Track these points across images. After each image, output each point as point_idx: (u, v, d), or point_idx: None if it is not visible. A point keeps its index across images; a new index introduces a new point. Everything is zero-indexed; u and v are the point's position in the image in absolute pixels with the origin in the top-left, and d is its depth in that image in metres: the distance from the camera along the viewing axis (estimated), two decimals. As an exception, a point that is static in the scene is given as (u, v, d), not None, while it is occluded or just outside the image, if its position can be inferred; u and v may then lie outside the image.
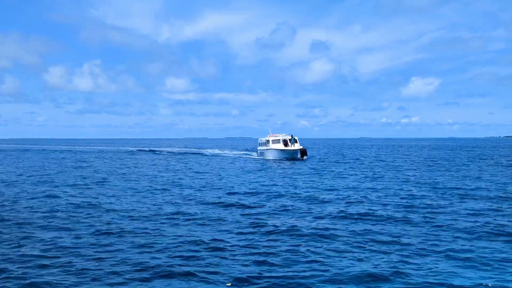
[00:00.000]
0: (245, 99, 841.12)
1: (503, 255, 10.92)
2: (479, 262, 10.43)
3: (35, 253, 11.30)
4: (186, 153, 76.16)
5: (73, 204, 18.81)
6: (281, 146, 51.61)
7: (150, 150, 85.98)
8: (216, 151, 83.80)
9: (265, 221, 15.01)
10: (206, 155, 68.65)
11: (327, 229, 13.84)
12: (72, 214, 16.45)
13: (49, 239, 12.65)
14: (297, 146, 51.41)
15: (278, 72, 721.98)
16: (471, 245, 11.83)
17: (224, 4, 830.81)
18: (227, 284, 9.30)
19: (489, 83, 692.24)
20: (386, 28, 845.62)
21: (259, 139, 60.22)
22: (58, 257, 10.95)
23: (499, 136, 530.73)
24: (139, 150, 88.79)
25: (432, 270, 9.89)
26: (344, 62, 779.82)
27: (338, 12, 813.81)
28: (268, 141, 54.16)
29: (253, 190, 23.18)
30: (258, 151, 59.96)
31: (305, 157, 52.23)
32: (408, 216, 15.76)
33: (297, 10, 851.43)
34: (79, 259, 10.84)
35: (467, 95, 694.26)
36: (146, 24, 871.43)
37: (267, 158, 54.22)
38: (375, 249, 11.60)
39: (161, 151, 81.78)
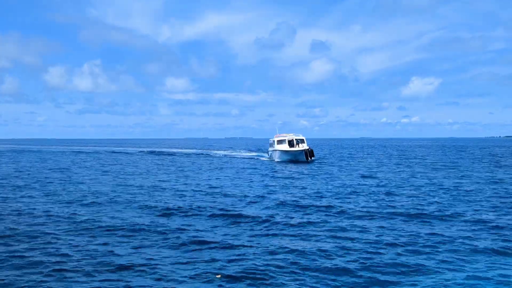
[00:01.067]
0: (245, 99, 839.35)
1: None
2: None
3: None
4: (192, 154, 74.23)
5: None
6: (285, 147, 49.54)
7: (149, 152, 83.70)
8: (222, 152, 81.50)
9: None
10: (215, 156, 66.75)
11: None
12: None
13: None
14: (301, 147, 48.80)
15: (278, 72, 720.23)
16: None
17: (224, 4, 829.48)
18: (217, 276, 9.43)
19: (489, 83, 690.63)
20: (386, 28, 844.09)
21: (270, 139, 58.15)
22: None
23: (499, 136, 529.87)
24: (141, 151, 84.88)
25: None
26: (344, 62, 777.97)
27: (338, 12, 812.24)
28: (274, 141, 52.52)
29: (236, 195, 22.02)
30: (268, 152, 58.17)
31: (312, 159, 48.94)
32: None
33: (297, 10, 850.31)
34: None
35: (467, 95, 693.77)
36: (146, 24, 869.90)
37: (273, 159, 52.62)
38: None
39: (163, 152, 79.83)
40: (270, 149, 55.79)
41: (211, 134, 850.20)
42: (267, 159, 56.02)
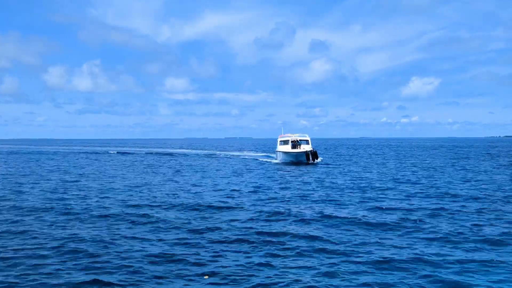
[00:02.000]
0: (245, 99, 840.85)
1: None
2: None
3: None
4: (190, 154, 73.25)
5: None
6: (287, 148, 48.32)
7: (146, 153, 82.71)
8: (225, 152, 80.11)
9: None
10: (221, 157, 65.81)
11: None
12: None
13: None
14: (303, 148, 47.13)
15: (278, 72, 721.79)
16: None
17: (224, 4, 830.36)
18: (205, 277, 9.60)
19: (489, 83, 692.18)
20: (386, 28, 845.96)
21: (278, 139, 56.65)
22: None
23: (499, 136, 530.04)
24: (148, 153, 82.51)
25: None
26: (344, 62, 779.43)
27: (338, 12, 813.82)
28: (278, 142, 51.56)
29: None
30: (276, 152, 56.42)
31: (316, 160, 47.26)
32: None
33: (296, 10, 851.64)
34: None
35: (467, 94, 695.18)
36: (146, 24, 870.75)
37: (277, 160, 51.64)
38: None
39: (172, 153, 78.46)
40: (276, 149, 54.56)
41: (211, 134, 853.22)
42: (269, 160, 55.04)
